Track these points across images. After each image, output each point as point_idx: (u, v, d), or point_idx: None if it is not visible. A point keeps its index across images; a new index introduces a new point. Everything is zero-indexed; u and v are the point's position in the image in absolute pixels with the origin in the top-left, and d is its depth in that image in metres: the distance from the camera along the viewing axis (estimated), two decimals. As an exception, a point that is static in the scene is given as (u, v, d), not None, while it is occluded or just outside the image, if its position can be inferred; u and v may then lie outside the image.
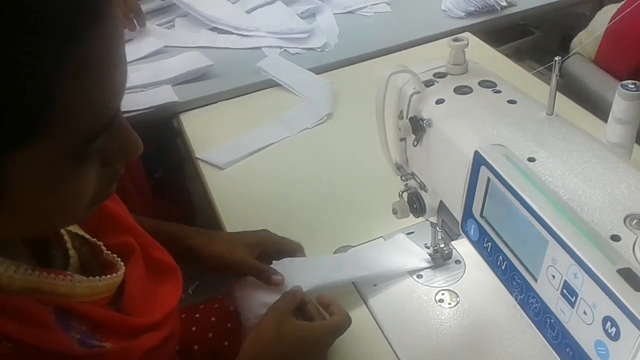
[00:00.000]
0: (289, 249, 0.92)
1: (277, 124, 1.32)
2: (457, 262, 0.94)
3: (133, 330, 0.64)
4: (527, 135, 0.63)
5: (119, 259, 0.69)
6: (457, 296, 0.89)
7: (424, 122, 0.72)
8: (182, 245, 0.89)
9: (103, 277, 0.64)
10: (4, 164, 0.44)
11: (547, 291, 0.54)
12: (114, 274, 0.66)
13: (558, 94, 0.65)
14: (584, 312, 0.50)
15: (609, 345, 0.48)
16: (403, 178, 0.85)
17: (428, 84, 0.75)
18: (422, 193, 0.82)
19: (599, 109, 1.14)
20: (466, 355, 0.81)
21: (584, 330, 0.50)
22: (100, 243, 0.69)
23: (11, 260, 0.54)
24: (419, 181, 0.81)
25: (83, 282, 0.60)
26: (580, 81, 1.57)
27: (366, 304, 0.89)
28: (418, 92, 0.74)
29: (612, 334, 0.47)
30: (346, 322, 0.79)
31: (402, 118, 0.77)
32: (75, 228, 0.67)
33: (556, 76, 0.62)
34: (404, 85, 0.77)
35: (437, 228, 0.87)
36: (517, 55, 2.38)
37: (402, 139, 0.79)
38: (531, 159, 0.60)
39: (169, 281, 0.76)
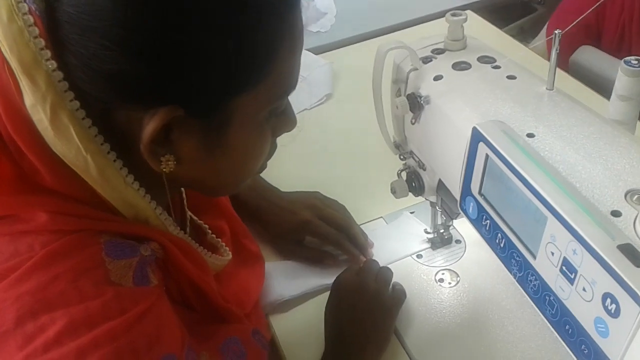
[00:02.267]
0: (337, 216, 0.93)
1: None
2: (458, 241, 0.93)
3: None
4: (526, 111, 0.61)
5: (224, 243, 0.74)
6: (458, 276, 0.88)
7: (422, 99, 0.70)
8: (248, 205, 0.94)
9: (216, 256, 0.70)
10: (231, 107, 0.51)
11: (546, 268, 0.53)
12: (224, 257, 0.73)
13: (560, 71, 0.64)
14: (584, 289, 0.49)
15: (609, 322, 0.47)
16: (402, 157, 0.84)
17: (426, 60, 0.73)
18: (421, 172, 0.81)
19: (608, 93, 1.12)
20: (466, 334, 0.80)
21: (583, 307, 0.49)
22: (206, 226, 0.74)
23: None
24: (417, 160, 0.80)
25: (208, 256, 0.68)
26: (590, 72, 1.53)
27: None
28: (416, 69, 0.72)
29: (612, 311, 0.46)
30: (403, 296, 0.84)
31: (399, 95, 0.75)
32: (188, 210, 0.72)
33: (556, 50, 0.61)
34: (402, 62, 0.75)
35: (437, 207, 0.86)
36: (521, 35, 2.36)
37: (400, 117, 0.78)
38: (530, 135, 0.59)
39: (254, 269, 0.82)
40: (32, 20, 0.46)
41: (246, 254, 0.82)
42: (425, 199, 0.86)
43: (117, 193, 0.53)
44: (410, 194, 0.85)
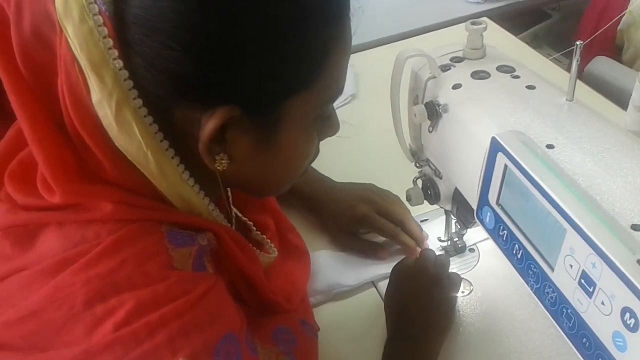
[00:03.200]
0: (394, 210, 0.95)
1: None
2: (471, 250, 0.93)
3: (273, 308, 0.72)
4: (545, 122, 0.61)
5: (269, 240, 0.76)
6: (471, 284, 0.88)
7: (440, 107, 0.70)
8: (304, 194, 0.98)
9: (262, 253, 0.73)
10: (284, 108, 0.53)
11: (564, 281, 0.53)
12: (270, 254, 0.75)
13: (578, 81, 0.64)
14: (602, 303, 0.49)
15: (627, 337, 0.47)
16: (417, 164, 0.84)
17: (444, 68, 0.73)
18: (437, 180, 0.81)
19: (624, 104, 1.11)
20: (479, 344, 0.80)
21: (601, 321, 0.49)
22: (251, 223, 0.76)
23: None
24: (433, 168, 0.80)
25: (259, 255, 0.70)
26: (605, 81, 1.53)
27: (377, 290, 0.88)
28: (434, 77, 0.72)
29: (631, 325, 0.46)
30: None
31: (417, 103, 0.75)
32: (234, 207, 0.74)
33: (577, 61, 0.61)
34: (420, 70, 0.75)
35: (452, 216, 0.86)
36: (535, 42, 2.35)
37: (418, 125, 0.78)
38: (550, 146, 0.58)
39: (300, 264, 0.84)
40: (101, 20, 0.48)
41: (292, 248, 0.85)
42: (440, 207, 0.86)
43: (173, 188, 0.55)
44: (425, 201, 0.85)
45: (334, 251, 0.95)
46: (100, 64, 0.48)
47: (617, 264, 0.46)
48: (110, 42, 0.48)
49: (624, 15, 1.64)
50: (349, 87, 1.33)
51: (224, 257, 0.61)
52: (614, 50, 1.79)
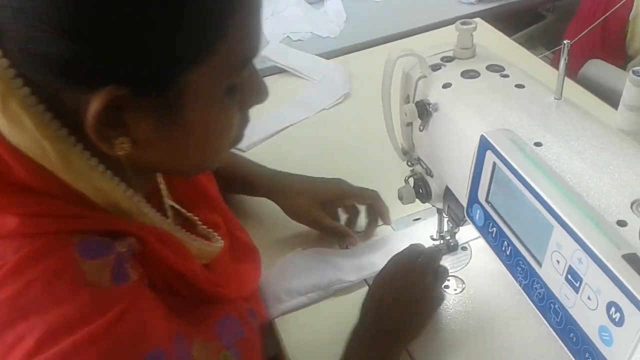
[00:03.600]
0: (364, 199, 0.98)
1: (295, 105, 1.32)
2: (464, 248, 0.94)
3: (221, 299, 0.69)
4: (534, 120, 0.62)
5: (215, 233, 0.74)
6: (463, 282, 0.88)
7: (430, 106, 0.71)
8: (260, 190, 0.98)
9: (208, 242, 0.69)
10: (182, 83, 0.48)
11: (552, 276, 0.54)
12: (216, 243, 0.71)
13: (568, 80, 0.64)
14: (588, 298, 0.49)
15: (613, 331, 0.47)
16: (409, 163, 0.84)
17: (435, 68, 0.74)
18: (428, 178, 0.81)
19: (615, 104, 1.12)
20: (472, 341, 0.80)
21: (588, 315, 0.50)
22: (196, 218, 0.73)
23: None
24: (425, 166, 0.81)
25: (195, 242, 0.67)
26: (599, 84, 1.54)
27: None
28: (425, 77, 0.73)
29: (617, 320, 0.47)
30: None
31: (408, 102, 0.76)
32: (170, 200, 0.72)
33: (565, 60, 0.61)
34: (411, 70, 0.76)
35: (443, 214, 0.86)
36: (530, 43, 2.36)
37: (409, 124, 0.79)
38: (538, 144, 0.59)
39: (249, 262, 0.82)
40: None
41: (241, 246, 0.82)
42: (432, 205, 0.86)
43: (82, 178, 0.51)
44: (417, 200, 0.85)
45: (328, 248, 0.96)
46: None
47: (603, 259, 0.47)
48: None
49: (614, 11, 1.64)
50: (342, 87, 1.34)
51: (151, 258, 0.57)
52: (616, 48, 1.81)
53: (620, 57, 1.83)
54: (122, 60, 0.45)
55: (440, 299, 0.81)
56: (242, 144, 1.18)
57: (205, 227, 0.74)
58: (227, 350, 0.64)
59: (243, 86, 0.55)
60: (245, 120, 0.60)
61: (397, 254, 0.84)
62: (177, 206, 0.72)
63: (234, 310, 0.69)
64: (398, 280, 0.80)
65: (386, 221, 0.98)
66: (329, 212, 0.97)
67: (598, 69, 1.55)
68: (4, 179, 0.50)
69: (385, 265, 0.83)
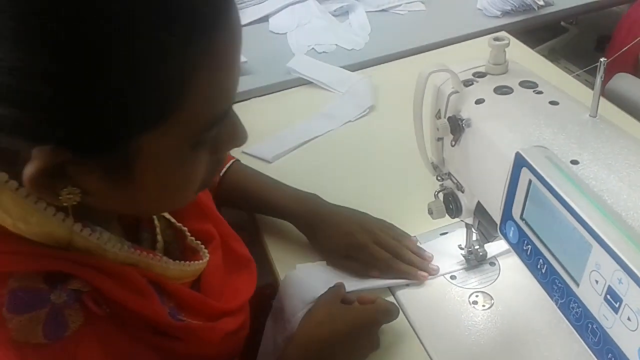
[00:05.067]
0: (390, 242, 0.92)
1: (320, 117, 1.32)
2: (492, 264, 0.93)
3: (214, 314, 0.68)
4: (569, 137, 0.62)
5: (203, 246, 0.72)
6: (492, 298, 0.88)
7: (463, 122, 0.71)
8: (297, 214, 0.95)
9: (191, 262, 0.67)
10: (134, 146, 0.46)
11: (590, 296, 0.53)
12: (200, 261, 0.69)
13: (600, 97, 0.64)
14: (628, 319, 0.49)
15: (654, 353, 0.47)
16: (439, 178, 0.84)
17: (467, 83, 0.74)
18: (459, 194, 0.81)
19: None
20: (500, 358, 0.80)
21: (627, 336, 0.49)
22: (185, 229, 0.72)
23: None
24: (455, 182, 0.81)
25: (175, 265, 0.64)
26: (627, 98, 1.53)
27: (398, 304, 0.89)
28: (457, 92, 0.73)
29: (658, 342, 0.46)
30: (394, 308, 0.82)
31: (439, 117, 0.76)
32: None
33: (601, 78, 0.61)
34: (442, 85, 0.76)
35: (473, 229, 0.86)
36: (552, 56, 2.35)
37: (440, 139, 0.79)
38: (574, 162, 0.59)
39: (244, 273, 0.80)
40: None
41: (235, 257, 0.81)
42: (462, 220, 0.86)
43: (23, 222, 0.48)
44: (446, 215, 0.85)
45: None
46: None
47: (644, 280, 0.46)
48: None
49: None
50: (367, 99, 1.35)
51: (108, 297, 0.54)
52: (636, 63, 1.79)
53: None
54: (64, 126, 0.43)
55: (375, 347, 0.81)
56: (268, 156, 1.21)
57: (193, 239, 0.72)
58: None
59: (215, 136, 0.52)
60: (218, 162, 0.57)
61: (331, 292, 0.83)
62: (167, 216, 0.71)
63: (199, 348, 0.65)
64: (343, 320, 0.79)
65: (428, 270, 0.91)
66: None
67: (626, 83, 1.54)
68: None
69: (323, 298, 0.82)
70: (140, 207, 0.56)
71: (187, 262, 0.67)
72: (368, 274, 0.91)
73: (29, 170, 0.44)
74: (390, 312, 0.81)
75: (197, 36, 0.44)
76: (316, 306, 0.81)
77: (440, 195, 0.85)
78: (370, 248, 0.91)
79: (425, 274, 0.90)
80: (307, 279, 0.90)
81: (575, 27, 2.52)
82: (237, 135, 0.57)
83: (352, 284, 0.89)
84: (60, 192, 0.47)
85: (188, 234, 0.72)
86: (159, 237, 0.68)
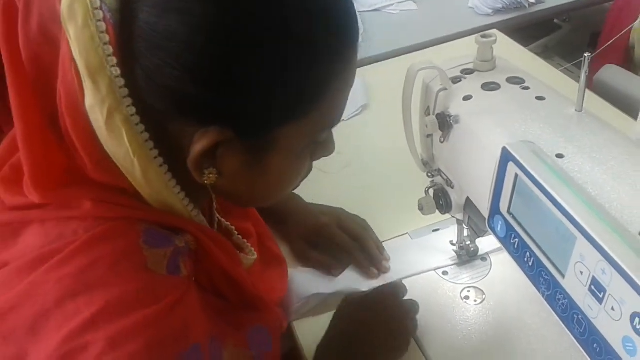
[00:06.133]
0: (355, 228, 0.96)
1: None
2: (483, 259, 0.94)
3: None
4: (555, 132, 0.63)
5: (249, 244, 0.77)
6: (483, 293, 0.89)
7: (451, 118, 0.72)
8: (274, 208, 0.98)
9: (245, 255, 0.74)
10: (275, 135, 0.54)
11: (575, 287, 0.54)
12: (250, 256, 0.75)
13: (587, 91, 0.65)
14: (612, 309, 0.50)
15: (637, 342, 0.48)
16: (429, 174, 0.85)
17: (455, 80, 0.75)
18: (449, 189, 0.82)
19: (633, 113, 1.12)
20: (493, 353, 0.81)
21: (611, 326, 0.50)
22: (233, 227, 0.77)
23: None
24: (445, 178, 0.81)
25: (240, 256, 0.71)
26: (615, 90, 1.54)
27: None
28: (445, 89, 0.74)
29: (641, 330, 0.47)
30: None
31: (428, 114, 0.77)
32: (217, 213, 0.75)
33: (585, 72, 0.62)
34: (431, 82, 0.77)
35: (464, 225, 0.87)
36: (545, 53, 2.36)
37: (429, 136, 0.80)
38: (559, 155, 0.60)
39: (278, 271, 0.86)
40: (104, 27, 0.48)
41: (270, 256, 0.86)
42: (452, 216, 0.87)
43: (157, 195, 0.56)
44: (436, 211, 0.86)
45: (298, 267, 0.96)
46: (97, 70, 0.48)
47: (627, 270, 0.47)
48: (111, 49, 0.48)
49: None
50: (360, 98, 1.35)
51: (204, 258, 0.61)
52: (627, 54, 1.81)
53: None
54: (235, 107, 0.51)
55: (409, 342, 0.82)
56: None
57: (240, 237, 0.77)
58: None
59: (318, 143, 0.61)
60: (309, 170, 0.65)
61: (349, 297, 0.85)
62: (218, 216, 0.76)
63: (265, 322, 0.71)
64: (381, 311, 0.81)
65: (379, 268, 0.93)
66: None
67: (614, 74, 1.55)
68: (81, 173, 0.54)
69: (367, 292, 0.85)
70: (251, 195, 0.62)
71: (243, 254, 0.73)
72: (330, 270, 0.93)
73: (198, 146, 0.52)
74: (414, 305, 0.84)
75: (344, 48, 0.54)
76: (359, 296, 0.84)
77: (431, 191, 0.85)
78: (330, 228, 0.94)
79: (376, 271, 0.92)
80: (300, 281, 0.91)
81: (568, 24, 2.53)
82: (329, 146, 0.65)
83: (322, 286, 0.90)
84: (205, 172, 0.54)
85: (235, 232, 0.77)
86: (216, 227, 0.74)
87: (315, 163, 0.65)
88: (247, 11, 0.48)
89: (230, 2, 0.48)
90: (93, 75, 0.48)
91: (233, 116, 0.52)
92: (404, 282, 0.90)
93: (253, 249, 0.78)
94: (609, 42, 0.79)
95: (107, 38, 0.48)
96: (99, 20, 0.48)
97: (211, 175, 0.55)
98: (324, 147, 0.64)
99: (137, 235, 0.53)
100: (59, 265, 0.50)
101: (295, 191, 0.99)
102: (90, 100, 0.49)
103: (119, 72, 0.49)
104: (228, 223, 0.77)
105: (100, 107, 0.49)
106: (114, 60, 0.49)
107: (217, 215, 0.75)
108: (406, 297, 0.85)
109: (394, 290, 0.84)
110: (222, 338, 0.61)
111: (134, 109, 0.51)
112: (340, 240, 0.94)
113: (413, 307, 0.83)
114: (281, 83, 0.51)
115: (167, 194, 0.56)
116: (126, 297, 0.50)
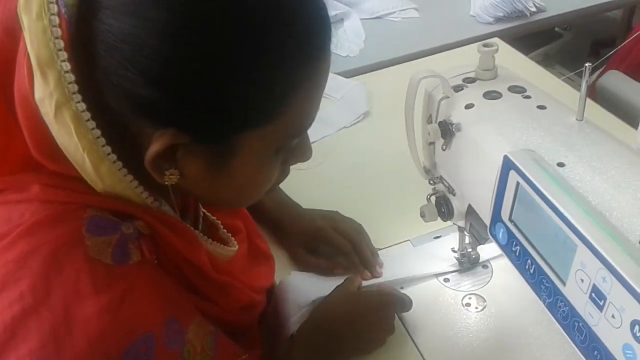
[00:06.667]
0: (350, 232, 0.98)
1: (316, 123, 1.32)
2: (484, 266, 0.94)
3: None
4: (556, 141, 0.63)
5: (233, 238, 0.78)
6: (484, 301, 0.89)
7: (453, 126, 0.72)
8: (271, 216, 1.01)
9: (224, 246, 0.73)
10: (236, 141, 0.53)
11: (576, 295, 0.55)
12: (231, 248, 0.75)
13: (588, 100, 0.65)
14: (612, 316, 0.50)
15: (637, 349, 0.48)
16: (431, 182, 0.86)
17: (457, 88, 0.75)
18: (450, 197, 0.83)
19: (634, 120, 1.13)
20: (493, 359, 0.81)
21: (612, 333, 0.51)
22: (219, 222, 0.78)
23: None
24: (447, 185, 0.82)
25: (212, 245, 0.70)
26: (616, 96, 1.54)
27: (393, 307, 0.90)
28: (447, 97, 0.75)
29: (641, 338, 0.47)
30: (408, 299, 0.86)
31: (431, 122, 0.78)
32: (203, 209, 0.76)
33: (586, 82, 0.63)
34: (433, 90, 0.77)
35: (465, 232, 0.87)
36: (546, 62, 2.38)
37: (431, 143, 0.80)
38: (560, 164, 0.60)
39: (265, 266, 0.87)
40: (57, 21, 0.48)
41: (258, 252, 0.87)
42: (454, 223, 0.87)
43: (111, 188, 0.55)
44: (438, 218, 0.86)
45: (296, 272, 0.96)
46: (46, 63, 0.49)
47: (627, 278, 0.48)
48: (62, 43, 0.49)
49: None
50: (362, 105, 1.36)
51: (160, 242, 0.60)
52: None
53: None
54: (192, 112, 0.51)
55: (391, 331, 0.84)
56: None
57: (225, 231, 0.78)
58: (211, 336, 0.66)
59: (290, 147, 0.60)
60: (285, 174, 0.65)
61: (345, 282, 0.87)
62: (204, 211, 0.76)
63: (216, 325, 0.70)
64: (359, 302, 0.84)
65: (372, 271, 0.94)
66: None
67: (616, 80, 1.56)
68: (35, 161, 0.54)
69: (338, 293, 0.86)
70: (218, 198, 0.62)
71: (221, 245, 0.73)
72: (332, 271, 0.94)
73: (153, 148, 0.51)
74: (405, 301, 0.85)
75: (310, 55, 0.53)
76: (333, 292, 0.86)
77: (433, 198, 0.86)
78: (326, 230, 0.96)
79: (369, 274, 0.94)
80: (301, 284, 0.91)
81: (569, 33, 2.55)
82: (305, 151, 0.64)
83: (322, 290, 0.89)
84: (165, 173, 0.54)
85: (221, 226, 0.78)
86: (200, 222, 0.74)
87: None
88: (202, 17, 0.48)
89: (184, 8, 0.48)
90: (42, 68, 0.49)
91: (189, 121, 0.51)
92: (405, 289, 0.91)
93: (235, 242, 0.78)
94: (611, 53, 0.80)
95: (59, 32, 0.49)
96: (53, 14, 0.48)
97: (172, 177, 0.55)
98: (297, 152, 0.63)
99: (80, 222, 0.53)
100: (4, 250, 0.51)
101: (301, 197, 1.02)
102: (39, 93, 0.50)
103: (69, 67, 0.49)
104: (214, 218, 0.77)
105: (49, 101, 0.50)
106: (65, 55, 0.49)
107: (203, 210, 0.76)
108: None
109: (382, 290, 0.86)
110: (185, 318, 0.61)
111: (84, 105, 0.51)
112: (336, 243, 0.95)
113: (402, 300, 0.85)
114: (237, 90, 0.50)
115: (120, 187, 0.56)
116: (65, 287, 0.50)
